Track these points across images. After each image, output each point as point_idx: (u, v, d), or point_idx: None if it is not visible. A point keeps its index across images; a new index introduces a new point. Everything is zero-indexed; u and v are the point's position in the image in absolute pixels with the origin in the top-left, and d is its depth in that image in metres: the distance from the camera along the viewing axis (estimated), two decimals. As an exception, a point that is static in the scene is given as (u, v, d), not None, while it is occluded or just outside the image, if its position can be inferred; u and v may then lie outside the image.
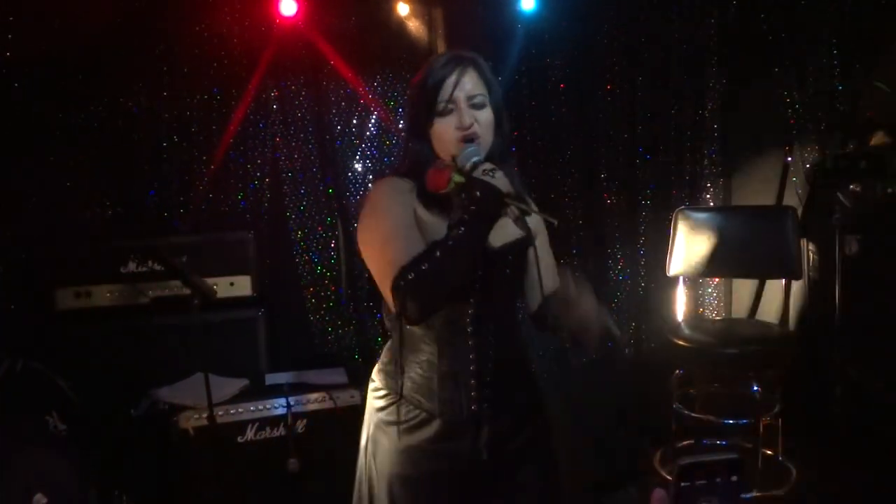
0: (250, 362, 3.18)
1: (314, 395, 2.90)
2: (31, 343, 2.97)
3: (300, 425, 2.87)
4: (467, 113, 1.55)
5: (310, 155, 3.57)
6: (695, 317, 3.22)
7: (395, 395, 1.66)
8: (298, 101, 3.52)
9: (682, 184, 3.87)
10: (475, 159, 1.50)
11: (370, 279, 3.57)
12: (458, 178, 1.50)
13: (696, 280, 3.59)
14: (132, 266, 3.11)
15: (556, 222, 1.50)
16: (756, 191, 3.78)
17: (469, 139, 1.54)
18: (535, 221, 1.65)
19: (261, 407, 2.85)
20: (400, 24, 3.58)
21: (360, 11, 3.52)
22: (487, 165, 1.47)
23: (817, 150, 3.67)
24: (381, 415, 1.69)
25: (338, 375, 3.13)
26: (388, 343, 1.76)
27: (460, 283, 1.49)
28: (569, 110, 3.82)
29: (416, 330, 1.62)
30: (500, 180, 1.44)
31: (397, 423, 1.64)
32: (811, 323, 3.16)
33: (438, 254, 1.44)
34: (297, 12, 3.30)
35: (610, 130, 3.88)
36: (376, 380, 1.75)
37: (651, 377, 3.26)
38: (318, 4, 3.40)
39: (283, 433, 2.84)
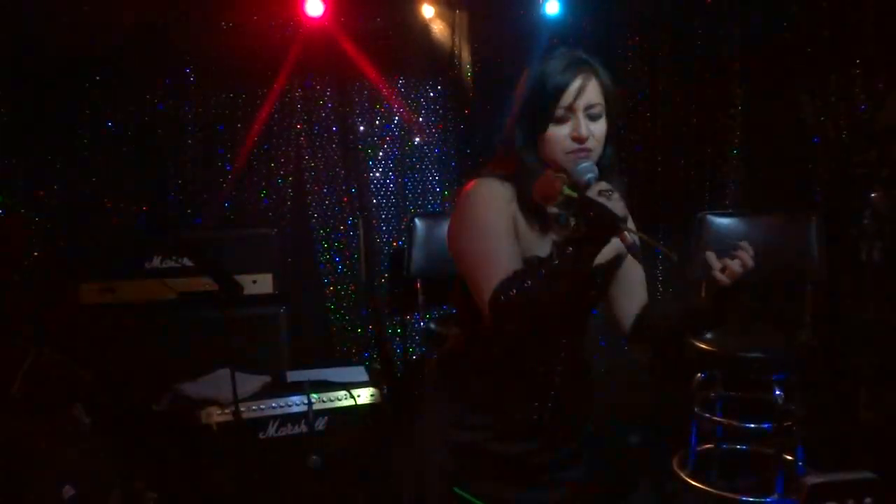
0: (272, 359, 3.20)
1: (335, 393, 2.91)
2: (56, 337, 3.00)
3: (321, 422, 2.88)
4: (584, 123, 1.48)
5: (333, 155, 3.59)
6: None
7: (458, 390, 1.65)
8: (323, 101, 3.55)
9: (702, 188, 3.88)
10: (590, 176, 1.42)
11: (391, 279, 3.66)
12: (569, 192, 1.41)
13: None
14: (156, 262, 3.14)
15: (675, 258, 1.41)
16: (776, 196, 3.77)
17: (581, 151, 1.48)
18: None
19: (282, 404, 2.86)
20: (424, 27, 3.60)
21: (386, 13, 3.55)
22: (604, 185, 1.39)
23: (838, 158, 3.68)
24: (439, 409, 1.67)
25: (358, 374, 3.14)
26: (454, 338, 1.73)
27: (560, 303, 1.42)
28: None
29: (489, 334, 1.56)
30: (617, 203, 1.36)
31: (456, 418, 1.63)
32: (834, 329, 3.16)
33: (543, 272, 1.38)
34: (324, 13, 3.32)
35: (630, 135, 3.89)
36: (437, 374, 1.73)
37: (671, 380, 3.26)
38: (344, 5, 3.42)
39: (304, 430, 2.85)
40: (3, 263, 3.21)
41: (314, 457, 2.82)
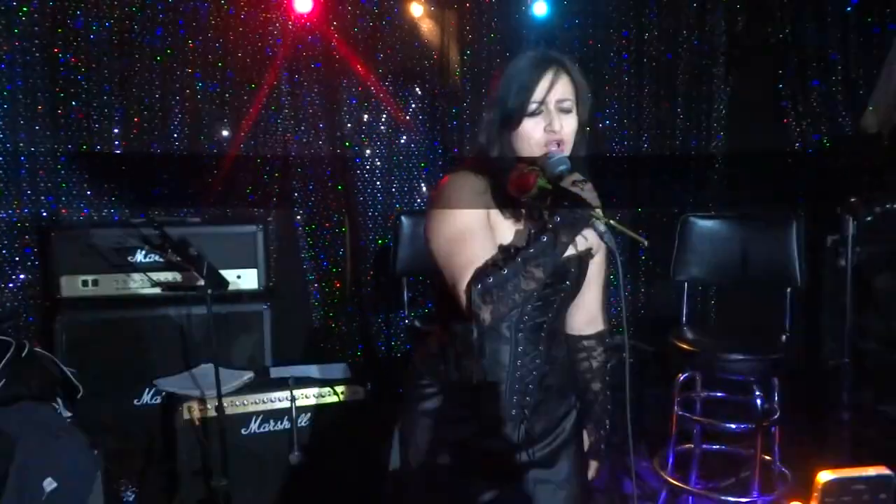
0: (255, 355, 3.19)
1: (318, 390, 2.92)
2: (37, 330, 2.98)
3: (304, 419, 2.89)
4: (556, 117, 1.52)
5: (319, 151, 3.59)
6: (698, 322, 3.26)
7: (438, 387, 1.67)
8: (310, 96, 3.55)
9: (685, 190, 3.92)
10: (563, 167, 1.46)
11: (376, 276, 3.66)
12: (543, 184, 1.45)
13: (699, 285, 3.63)
14: (140, 255, 3.12)
15: (646, 243, 1.44)
16: (758, 200, 3.82)
17: (555, 144, 1.52)
18: (599, 242, 1.60)
19: (265, 399, 2.86)
20: (413, 25, 3.61)
21: (374, 10, 3.56)
22: (577, 176, 1.44)
23: (819, 163, 3.73)
24: (421, 405, 1.68)
25: (341, 371, 3.15)
26: (436, 334, 1.74)
27: (535, 291, 1.47)
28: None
29: (470, 328, 1.58)
30: (589, 193, 1.41)
31: (437, 414, 1.65)
32: (812, 332, 3.21)
33: (519, 260, 1.42)
34: (312, 9, 3.32)
35: (615, 135, 3.92)
36: (419, 370, 1.74)
37: (653, 380, 3.30)
38: (333, 2, 3.42)
39: (286, 426, 2.86)
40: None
41: (296, 453, 2.83)
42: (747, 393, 2.81)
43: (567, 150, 1.55)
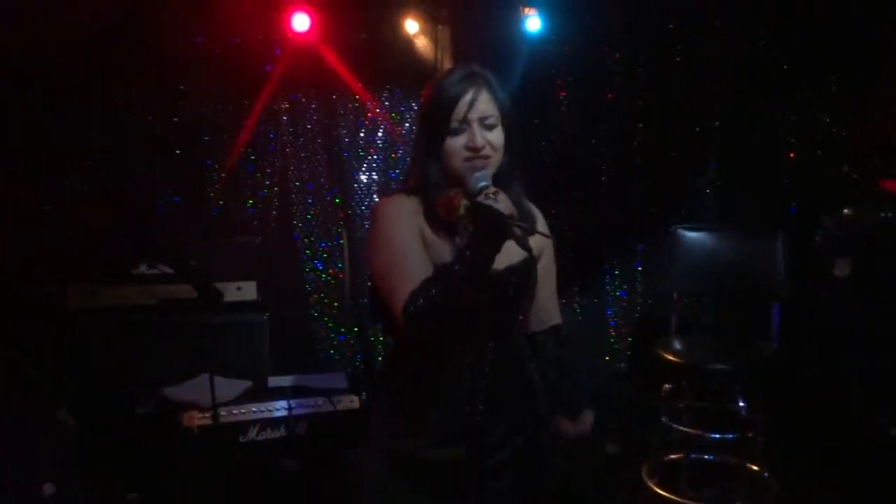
0: (254, 365, 3.25)
1: (315, 399, 2.97)
2: (41, 339, 3.05)
3: (301, 427, 2.95)
4: (479, 134, 1.55)
5: (318, 166, 3.67)
6: (686, 332, 3.30)
7: (392, 401, 1.71)
8: (308, 112, 3.63)
9: (678, 201, 3.95)
10: (482, 184, 1.50)
11: (371, 288, 3.72)
12: (466, 204, 1.51)
13: (689, 296, 3.66)
14: (143, 268, 3.19)
15: (551, 238, 1.48)
16: (751, 210, 3.85)
17: (479, 160, 1.55)
18: (540, 244, 1.67)
19: (263, 408, 2.92)
20: (408, 42, 3.68)
21: (371, 28, 3.63)
22: (490, 189, 1.48)
23: (812, 175, 3.76)
24: (379, 420, 1.73)
25: (338, 381, 3.20)
26: (388, 350, 1.82)
27: (468, 306, 1.49)
28: (570, 129, 3.91)
29: (415, 343, 1.62)
30: (502, 202, 1.45)
31: (390, 428, 1.69)
32: (800, 342, 3.23)
33: (446, 279, 1.46)
34: (310, 28, 3.40)
35: (610, 149, 3.96)
36: (376, 386, 1.81)
37: (641, 390, 3.33)
38: (329, 21, 3.49)
39: (283, 434, 2.92)
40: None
41: (292, 461, 2.88)
42: (734, 403, 2.85)
43: (493, 165, 1.58)
